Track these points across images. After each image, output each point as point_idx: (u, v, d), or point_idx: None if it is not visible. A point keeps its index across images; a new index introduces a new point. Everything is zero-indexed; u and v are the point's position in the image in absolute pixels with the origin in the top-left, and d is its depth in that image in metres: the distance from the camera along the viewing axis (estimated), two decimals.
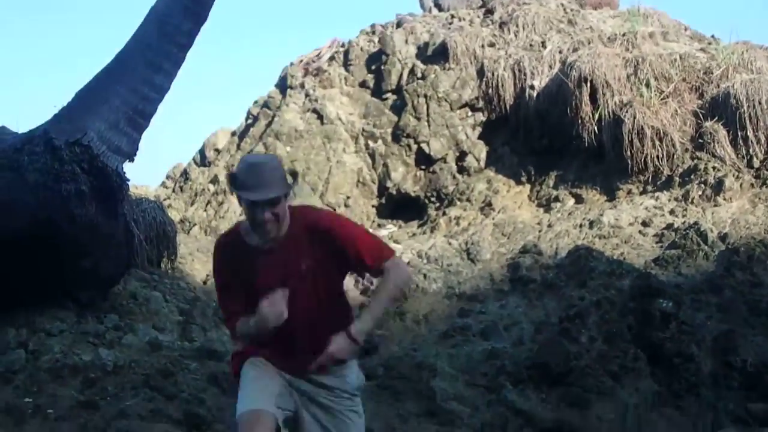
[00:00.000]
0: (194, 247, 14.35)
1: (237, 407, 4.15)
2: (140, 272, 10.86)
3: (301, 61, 20.97)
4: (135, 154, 9.55)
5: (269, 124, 19.02)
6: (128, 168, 9.51)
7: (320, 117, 18.44)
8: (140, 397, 6.82)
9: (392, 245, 14.65)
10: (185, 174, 19.87)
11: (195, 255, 13.74)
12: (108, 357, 7.64)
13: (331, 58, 20.34)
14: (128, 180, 9.55)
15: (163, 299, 10.11)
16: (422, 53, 18.80)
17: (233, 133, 20.81)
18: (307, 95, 19.28)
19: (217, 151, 20.55)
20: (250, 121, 20.33)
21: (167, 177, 20.39)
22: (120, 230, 9.36)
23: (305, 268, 4.20)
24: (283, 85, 20.38)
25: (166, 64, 9.66)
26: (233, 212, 16.93)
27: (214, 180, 19.10)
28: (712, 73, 15.02)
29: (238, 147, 19.70)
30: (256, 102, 20.80)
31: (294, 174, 4.28)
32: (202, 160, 20.62)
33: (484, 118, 17.42)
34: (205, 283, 12.18)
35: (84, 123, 8.99)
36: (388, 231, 16.56)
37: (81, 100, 9.31)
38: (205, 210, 18.27)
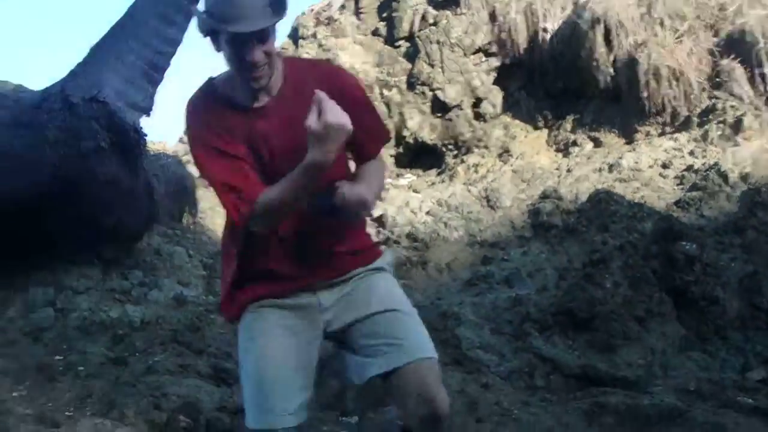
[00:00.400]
0: (214, 202, 14.13)
1: (247, 413, 3.38)
2: (162, 228, 10.89)
3: (312, 10, 20.80)
4: (151, 109, 9.58)
5: None
6: (146, 122, 9.52)
7: None
8: (168, 352, 6.87)
9: (412, 194, 14.76)
10: None
11: (215, 209, 13.69)
12: (135, 313, 7.69)
13: (342, 7, 20.14)
14: (146, 135, 9.56)
15: (186, 254, 10.15)
16: None
17: None
18: (320, 45, 19.12)
19: None
20: None
21: (185, 132, 20.25)
22: (140, 186, 9.37)
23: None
24: (295, 36, 20.22)
25: (177, 16, 9.63)
26: None
27: None
28: (726, 10, 14.88)
29: None
30: None
31: (281, 3, 3.23)
32: None
33: (498, 63, 17.25)
34: None
35: (100, 79, 9.00)
36: (407, 180, 16.52)
37: (96, 55, 9.32)
38: None
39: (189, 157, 17.42)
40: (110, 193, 8.61)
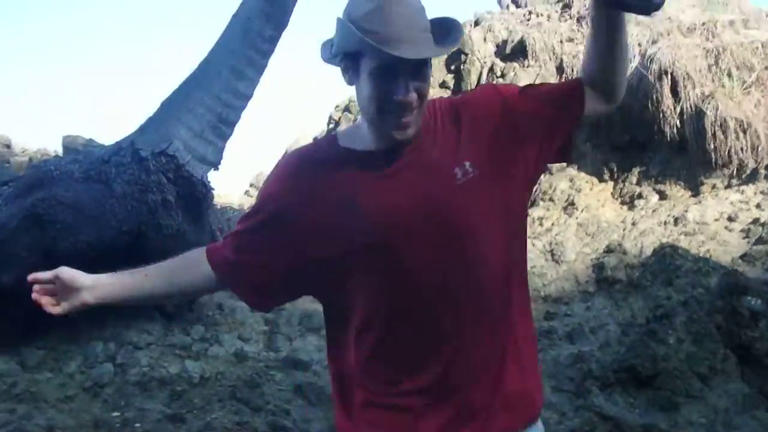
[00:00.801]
0: None
1: None
2: None
3: None
4: (219, 163, 9.67)
5: None
6: (212, 176, 9.63)
7: None
8: (226, 409, 6.91)
9: None
10: None
11: None
12: (194, 369, 7.76)
13: None
14: (213, 189, 9.67)
15: (248, 309, 10.20)
16: (501, 51, 18.67)
17: (314, 138, 20.82)
18: None
19: None
20: (331, 126, 20.36)
21: (250, 185, 20.49)
22: (206, 239, 9.45)
23: (463, 173, 2.45)
24: None
25: (249, 70, 9.75)
26: None
27: None
28: None
29: None
30: (337, 107, 20.83)
31: (451, 31, 2.48)
32: None
33: None
34: None
35: (169, 132, 9.14)
36: None
37: (166, 109, 9.48)
38: None
39: None
40: (174, 247, 8.66)
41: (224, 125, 9.66)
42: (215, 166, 9.63)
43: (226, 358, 8.36)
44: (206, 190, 9.38)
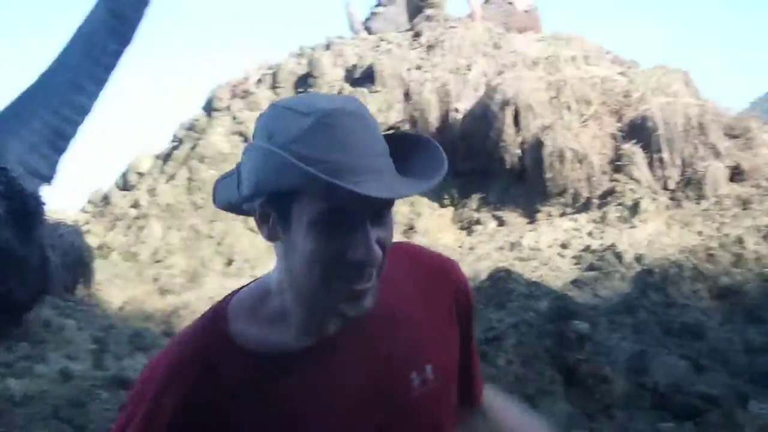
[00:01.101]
0: (112, 273, 14.14)
1: None
2: (55, 299, 10.67)
3: (228, 83, 20.85)
4: (53, 177, 9.44)
5: (194, 147, 18.83)
6: (47, 191, 9.41)
7: (246, 139, 18.30)
8: (49, 428, 6.70)
9: None
10: (106, 198, 19.55)
11: (112, 281, 13.56)
12: (17, 387, 7.50)
13: (259, 81, 20.27)
14: (44, 203, 9.43)
15: (76, 327, 9.94)
16: (350, 76, 18.86)
17: (157, 156, 20.51)
18: (233, 118, 19.16)
19: (140, 174, 20.20)
20: (175, 144, 20.09)
21: (88, 201, 20.04)
22: (35, 255, 9.20)
23: (421, 382, 1.69)
24: (209, 108, 20.22)
25: (89, 85, 9.56)
26: (154, 237, 16.61)
27: (136, 204, 18.63)
28: (630, 97, 15.36)
29: (162, 170, 19.49)
30: (181, 124, 20.61)
31: (424, 145, 1.66)
32: (125, 184, 20.28)
33: None
34: (121, 309, 11.99)
35: (3, 145, 8.89)
36: None
37: (0, 121, 9.21)
38: (125, 235, 17.69)
39: (89, 227, 17.29)
40: (1, 262, 8.47)
41: (60, 139, 9.44)
42: (48, 180, 9.40)
43: (51, 376, 8.10)
44: (37, 205, 9.12)
